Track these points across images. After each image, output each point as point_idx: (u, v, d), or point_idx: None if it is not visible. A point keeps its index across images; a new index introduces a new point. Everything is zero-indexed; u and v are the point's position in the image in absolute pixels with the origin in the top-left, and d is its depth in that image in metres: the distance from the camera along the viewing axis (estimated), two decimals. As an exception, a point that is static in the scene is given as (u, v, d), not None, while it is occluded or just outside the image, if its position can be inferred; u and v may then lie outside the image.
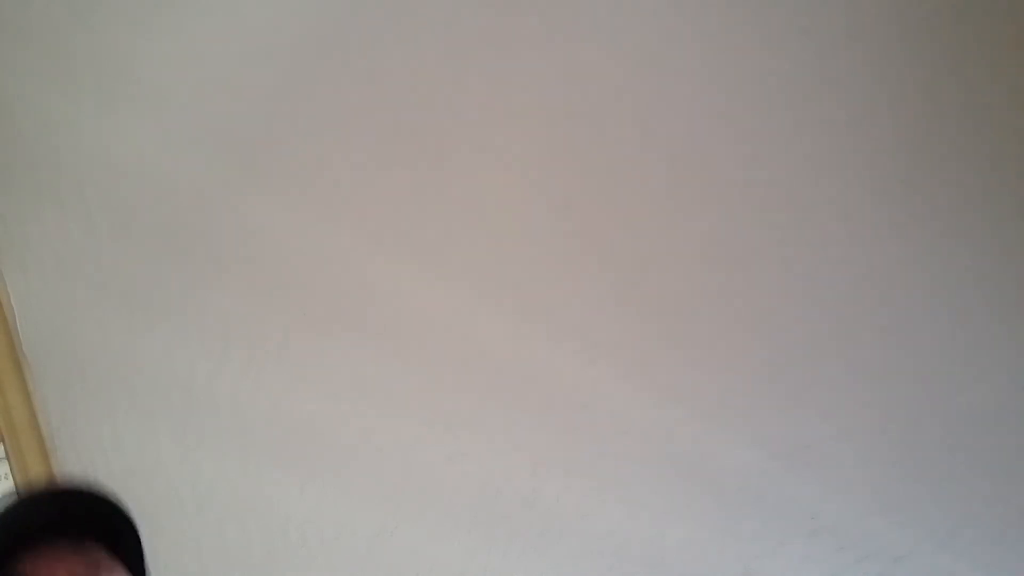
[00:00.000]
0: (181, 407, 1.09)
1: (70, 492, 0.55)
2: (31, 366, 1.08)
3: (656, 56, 0.99)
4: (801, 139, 1.01)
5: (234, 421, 1.09)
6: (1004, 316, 1.05)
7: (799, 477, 1.11)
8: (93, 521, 0.51)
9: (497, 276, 1.06)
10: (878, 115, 1.01)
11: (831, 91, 1.00)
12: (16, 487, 1.08)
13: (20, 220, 1.04)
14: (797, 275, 1.05)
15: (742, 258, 1.05)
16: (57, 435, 1.10)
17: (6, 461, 1.07)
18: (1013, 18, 0.98)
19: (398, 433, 1.10)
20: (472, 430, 1.10)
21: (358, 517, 1.12)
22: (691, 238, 1.05)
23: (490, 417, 1.10)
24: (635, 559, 1.14)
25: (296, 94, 1.01)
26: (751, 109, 1.01)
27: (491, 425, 1.10)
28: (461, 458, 1.11)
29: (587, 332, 1.07)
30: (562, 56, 0.99)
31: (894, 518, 1.12)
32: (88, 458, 1.10)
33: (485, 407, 1.10)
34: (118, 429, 1.10)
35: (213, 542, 1.12)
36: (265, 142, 1.02)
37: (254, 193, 1.03)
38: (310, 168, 1.03)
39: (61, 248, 1.05)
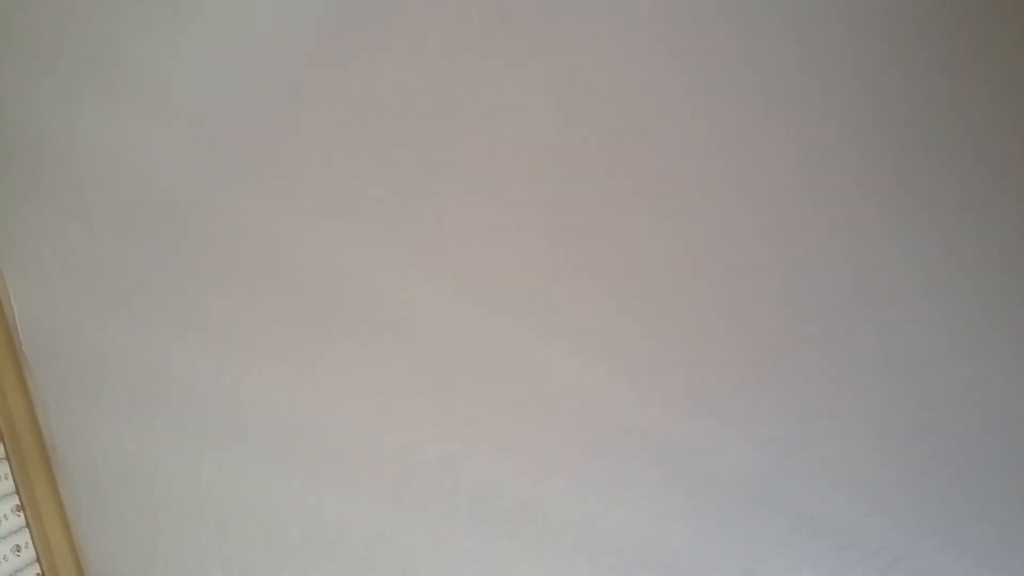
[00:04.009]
0: (181, 407, 1.09)
1: None
2: (31, 366, 1.08)
3: (655, 58, 0.99)
4: (799, 139, 1.01)
5: (234, 421, 1.09)
6: (1005, 316, 1.05)
7: (799, 477, 1.11)
8: None
9: (497, 276, 1.06)
10: (875, 115, 1.01)
11: (829, 91, 1.00)
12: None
13: (20, 220, 1.04)
14: (797, 275, 1.05)
15: (742, 258, 1.05)
16: (57, 435, 1.10)
17: (6, 461, 1.07)
18: (1012, 16, 0.98)
19: (398, 433, 1.10)
20: (472, 430, 1.11)
21: (358, 517, 1.13)
22: (691, 238, 1.05)
23: (490, 417, 1.10)
24: (635, 559, 1.14)
25: (296, 95, 1.01)
26: (749, 110, 1.01)
27: (491, 425, 1.10)
28: (461, 458, 1.11)
29: (587, 332, 1.07)
30: (562, 57, 0.99)
31: (895, 518, 1.12)
32: (88, 458, 1.11)
33: (485, 407, 1.10)
34: (118, 429, 1.10)
35: (213, 542, 1.13)
36: (266, 142, 1.02)
37: (255, 193, 1.03)
38: (311, 168, 1.03)
39: (61, 248, 1.05)
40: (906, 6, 0.98)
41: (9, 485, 1.07)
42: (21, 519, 1.08)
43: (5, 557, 1.05)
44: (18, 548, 1.07)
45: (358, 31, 0.99)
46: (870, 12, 0.98)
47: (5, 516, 1.06)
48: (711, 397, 1.09)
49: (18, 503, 1.08)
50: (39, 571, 1.09)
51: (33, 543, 1.09)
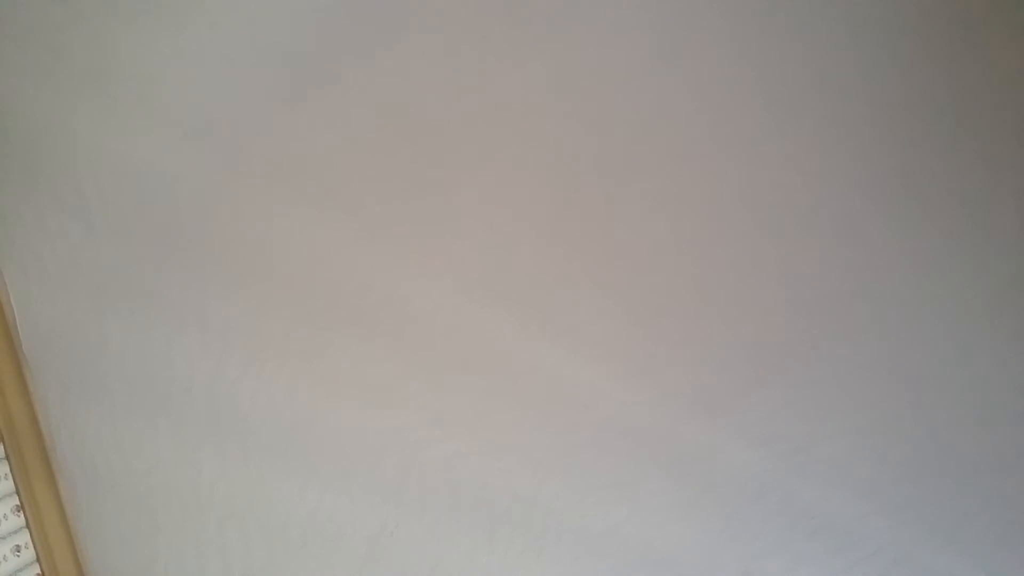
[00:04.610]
0: (181, 407, 1.09)
1: None
2: (31, 366, 1.08)
3: (655, 58, 0.99)
4: (799, 140, 1.01)
5: (234, 421, 1.09)
6: (1004, 316, 1.06)
7: (799, 477, 1.11)
8: None
9: (497, 276, 1.06)
10: (877, 115, 1.01)
11: (829, 92, 1.00)
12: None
13: (20, 220, 1.04)
14: (797, 275, 1.05)
15: (742, 258, 1.05)
16: (57, 435, 1.10)
17: (6, 461, 1.07)
18: (1012, 16, 0.99)
19: (398, 433, 1.10)
20: (472, 430, 1.11)
21: (358, 517, 1.13)
22: (691, 238, 1.05)
23: (490, 417, 1.10)
24: (635, 559, 1.15)
25: (296, 94, 1.01)
26: (750, 111, 1.01)
27: (491, 425, 1.10)
28: (461, 458, 1.11)
29: (587, 332, 1.08)
30: (562, 57, 0.99)
31: (894, 518, 1.12)
32: (88, 458, 1.11)
33: (485, 407, 1.10)
34: (118, 429, 1.10)
35: (213, 542, 1.13)
36: (265, 142, 1.02)
37: (255, 193, 1.03)
38: (311, 168, 1.03)
39: (61, 248, 1.05)
40: (906, 7, 0.98)
41: (9, 485, 1.07)
42: (21, 519, 1.08)
43: (5, 557, 1.05)
44: (18, 548, 1.07)
45: (358, 31, 0.99)
46: (870, 13, 0.98)
47: (5, 516, 1.06)
48: (711, 397, 1.09)
49: (18, 503, 1.08)
50: (39, 571, 1.09)
51: (33, 543, 1.09)
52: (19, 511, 1.08)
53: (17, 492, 1.08)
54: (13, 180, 1.03)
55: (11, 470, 1.08)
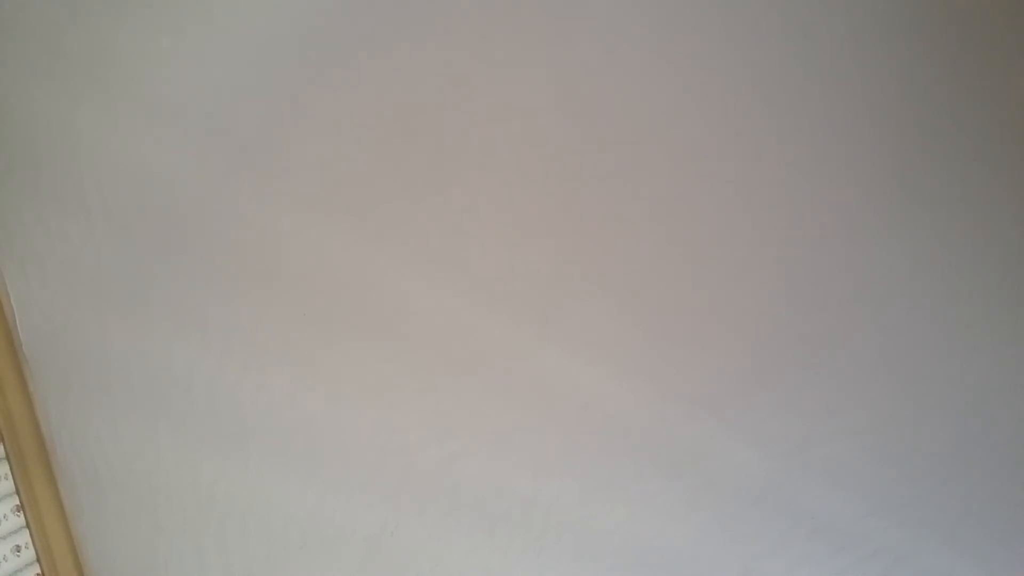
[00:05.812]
0: (181, 407, 1.09)
1: None
2: (31, 366, 1.08)
3: (657, 60, 1.00)
4: (799, 139, 1.01)
5: (234, 421, 1.09)
6: (1004, 316, 1.06)
7: (799, 477, 1.11)
8: None
9: (497, 276, 1.06)
10: (876, 114, 1.01)
11: (828, 91, 1.00)
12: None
13: (20, 220, 1.04)
14: (797, 275, 1.05)
15: (742, 258, 1.05)
16: (57, 435, 1.10)
17: (6, 461, 1.07)
18: (1012, 16, 0.99)
19: (398, 433, 1.10)
20: (472, 430, 1.11)
21: (358, 517, 1.13)
22: (691, 238, 1.05)
23: (490, 417, 1.10)
24: (635, 559, 1.15)
25: (297, 94, 1.01)
26: (749, 111, 1.01)
27: (491, 425, 1.10)
28: (461, 458, 1.11)
29: (587, 332, 1.08)
30: (563, 57, 0.99)
31: (894, 518, 1.12)
32: (88, 458, 1.11)
33: (485, 407, 1.10)
34: (118, 429, 1.10)
35: (213, 542, 1.13)
36: (266, 142, 1.02)
37: (255, 193, 1.03)
38: (311, 168, 1.03)
39: (61, 248, 1.05)
40: (905, 8, 0.98)
41: (9, 485, 1.07)
42: (21, 519, 1.08)
43: (5, 557, 1.05)
44: (18, 548, 1.07)
45: (359, 32, 0.99)
46: (870, 14, 0.98)
47: (5, 516, 1.06)
48: (711, 397, 1.09)
49: (18, 503, 1.08)
50: (39, 571, 1.09)
51: (33, 543, 1.08)
52: (19, 511, 1.08)
53: (17, 492, 1.08)
54: (13, 180, 1.03)
55: (11, 470, 1.08)
